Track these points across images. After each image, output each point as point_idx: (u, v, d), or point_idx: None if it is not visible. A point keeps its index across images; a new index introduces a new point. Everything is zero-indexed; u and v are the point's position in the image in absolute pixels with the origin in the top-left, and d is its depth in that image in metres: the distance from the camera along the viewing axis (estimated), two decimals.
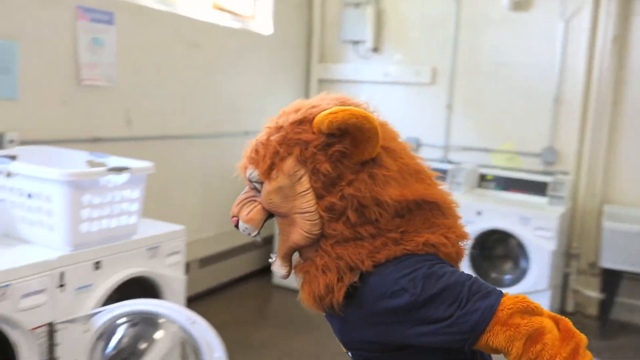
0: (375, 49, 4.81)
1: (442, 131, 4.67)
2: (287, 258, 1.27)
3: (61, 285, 2.06)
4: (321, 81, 5.06)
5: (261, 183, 1.24)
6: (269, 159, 1.21)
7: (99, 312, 2.06)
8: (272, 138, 1.22)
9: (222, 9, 4.22)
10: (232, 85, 4.24)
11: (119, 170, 2.14)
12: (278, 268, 1.27)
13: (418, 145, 4.71)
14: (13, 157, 2.21)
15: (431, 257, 1.19)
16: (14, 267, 1.91)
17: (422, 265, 1.16)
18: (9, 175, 2.15)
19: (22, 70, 2.76)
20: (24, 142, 2.72)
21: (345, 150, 1.17)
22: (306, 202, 1.19)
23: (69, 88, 3.01)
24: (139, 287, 2.47)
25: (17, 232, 2.15)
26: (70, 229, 2.05)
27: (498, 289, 1.14)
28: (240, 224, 1.27)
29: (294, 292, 4.33)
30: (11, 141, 2.67)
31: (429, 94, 4.70)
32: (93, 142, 3.12)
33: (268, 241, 4.66)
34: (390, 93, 4.82)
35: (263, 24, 4.58)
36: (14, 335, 1.92)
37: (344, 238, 1.19)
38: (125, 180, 2.20)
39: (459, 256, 1.27)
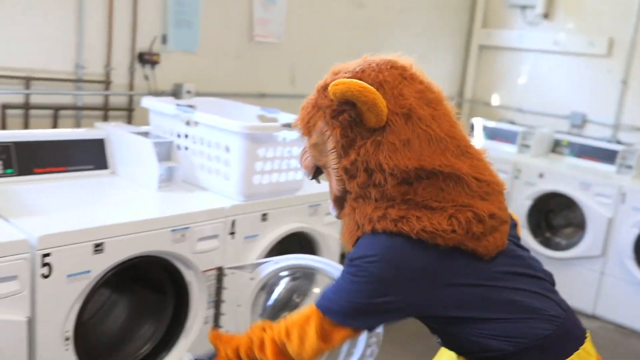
0: (546, 15, 4.48)
1: (613, 108, 4.28)
2: (335, 203, 1.39)
3: (232, 233, 2.14)
4: (482, 47, 4.83)
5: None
6: (307, 119, 1.35)
7: (265, 262, 2.12)
8: (308, 100, 1.36)
9: None
10: (391, 47, 4.14)
11: (292, 126, 2.17)
12: (331, 210, 1.41)
13: (583, 121, 4.38)
14: (193, 107, 2.32)
15: (408, 251, 1.23)
16: (193, 211, 2.01)
17: (376, 262, 1.23)
18: (188, 123, 2.26)
19: (202, 24, 2.88)
20: (198, 94, 2.86)
21: (352, 118, 1.25)
22: (332, 159, 1.31)
23: (242, 44, 3.10)
24: (298, 241, 2.53)
25: (196, 179, 2.26)
26: (244, 179, 2.12)
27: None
28: (303, 168, 1.44)
29: None
30: (188, 92, 2.81)
31: (602, 67, 4.31)
32: (259, 97, 3.21)
33: None
34: (557, 64, 4.49)
35: None
36: (188, 275, 2.04)
37: (358, 195, 1.29)
38: (296, 137, 2.23)
39: (474, 237, 1.25)
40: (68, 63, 2.45)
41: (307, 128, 1.35)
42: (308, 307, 1.29)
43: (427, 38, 4.46)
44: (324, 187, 2.55)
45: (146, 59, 2.65)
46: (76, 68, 2.47)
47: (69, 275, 1.68)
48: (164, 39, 2.73)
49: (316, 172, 1.42)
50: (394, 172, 1.24)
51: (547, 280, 1.38)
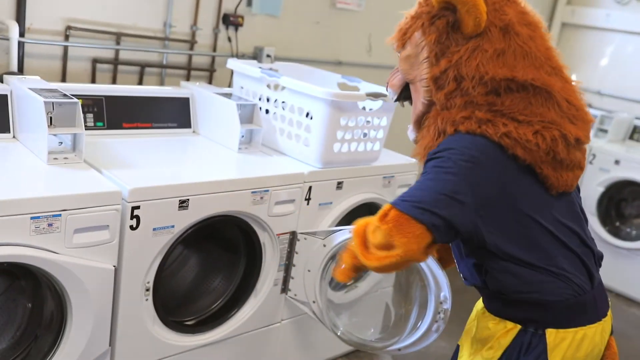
0: None
1: None
2: (416, 124, 1.41)
3: (307, 199, 2.16)
4: (565, 25, 4.63)
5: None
6: (404, 31, 1.38)
7: (338, 230, 2.13)
8: (407, 13, 1.38)
9: None
10: None
11: (376, 96, 2.15)
12: (410, 133, 1.44)
13: None
14: (277, 71, 2.32)
15: (493, 150, 1.23)
16: (273, 174, 2.03)
17: (462, 148, 1.23)
18: (270, 86, 2.27)
19: None
20: (277, 58, 2.86)
21: (450, 24, 1.28)
22: (424, 69, 1.33)
23: (323, 9, 3.08)
24: (368, 212, 2.53)
25: (275, 143, 2.28)
26: (324, 146, 2.12)
27: (423, 217, 1.20)
28: (389, 89, 1.48)
29: None
30: (268, 56, 2.81)
31: None
32: (336, 64, 3.19)
33: None
34: None
35: None
36: (262, 237, 2.07)
37: (444, 107, 1.31)
38: (378, 107, 2.21)
39: (554, 160, 1.26)
40: (157, 21, 2.49)
41: (403, 40, 1.38)
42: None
43: None
44: (399, 159, 2.55)
45: (230, 20, 2.66)
46: (164, 26, 2.51)
47: (155, 229, 1.74)
48: (249, 2, 2.73)
49: (401, 94, 1.45)
50: (484, 80, 1.26)
51: (591, 249, 1.37)
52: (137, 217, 1.68)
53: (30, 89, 1.80)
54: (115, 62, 2.43)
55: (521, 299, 1.32)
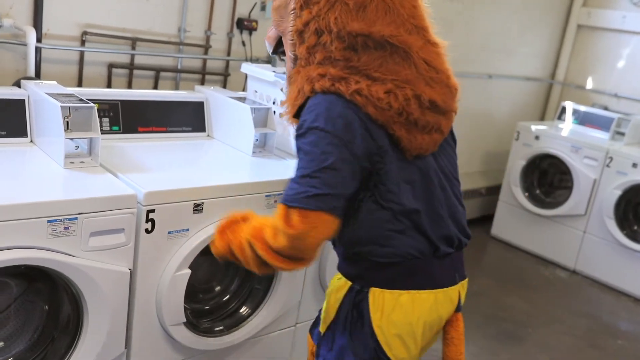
0: None
1: None
2: (288, 80, 1.39)
3: None
4: (580, 27, 4.60)
5: None
6: None
7: None
8: None
9: None
10: (484, 24, 4.03)
11: None
12: (284, 88, 1.46)
13: None
14: None
15: (347, 107, 1.23)
16: (287, 178, 2.02)
17: (322, 114, 1.23)
18: (282, 90, 2.28)
19: None
20: None
21: None
22: (290, 22, 1.33)
23: None
24: None
25: (289, 147, 2.28)
26: None
27: (320, 204, 1.20)
28: (266, 42, 1.47)
29: (512, 247, 4.16)
30: (282, 59, 2.82)
31: None
32: None
33: (492, 191, 4.51)
34: None
35: None
36: None
37: (307, 61, 1.30)
38: None
39: (406, 122, 1.26)
40: (172, 26, 2.51)
41: None
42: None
43: (523, 15, 4.29)
44: None
45: (244, 25, 2.68)
46: (179, 31, 2.53)
47: (170, 232, 1.75)
48: (263, 6, 2.75)
49: (277, 47, 1.45)
50: (341, 35, 1.25)
51: (446, 219, 1.37)
52: (152, 221, 1.70)
53: (47, 93, 1.82)
54: (131, 66, 2.45)
55: (354, 256, 1.37)
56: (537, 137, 4.03)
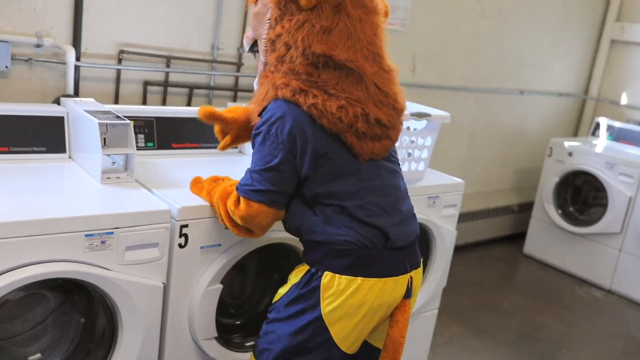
0: None
1: None
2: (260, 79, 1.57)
3: None
4: (614, 42, 4.55)
5: None
6: None
7: None
8: None
9: None
10: (516, 39, 4.01)
11: (421, 116, 2.15)
12: (255, 84, 1.60)
13: None
14: None
15: (301, 118, 1.43)
16: None
17: (277, 120, 1.44)
18: None
19: None
20: None
21: None
22: (265, 29, 1.49)
23: None
24: None
25: None
26: None
27: (262, 198, 1.48)
28: (244, 41, 1.63)
29: (546, 265, 4.08)
30: None
31: None
32: None
33: (524, 208, 4.46)
34: None
35: None
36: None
37: (275, 68, 1.48)
38: (422, 127, 2.21)
39: (356, 133, 1.45)
40: (205, 44, 2.56)
41: None
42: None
43: (555, 30, 4.26)
44: (444, 179, 2.54)
45: None
46: (212, 49, 2.58)
47: (202, 247, 1.77)
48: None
49: (254, 46, 1.60)
50: (306, 53, 1.42)
51: (397, 213, 1.56)
52: (186, 235, 1.72)
53: (85, 110, 1.87)
54: (166, 84, 2.50)
55: (313, 243, 1.52)
56: (570, 154, 3.97)
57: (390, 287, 1.52)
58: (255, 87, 1.61)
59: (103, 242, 1.56)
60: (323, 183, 1.49)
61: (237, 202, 1.54)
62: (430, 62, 3.50)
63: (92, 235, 1.53)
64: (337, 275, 1.49)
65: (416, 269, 1.61)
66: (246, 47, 1.65)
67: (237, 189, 1.54)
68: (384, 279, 1.51)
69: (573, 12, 4.35)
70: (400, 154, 2.22)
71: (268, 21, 1.49)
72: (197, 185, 1.77)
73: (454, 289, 3.45)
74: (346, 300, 1.48)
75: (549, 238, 4.15)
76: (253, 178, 1.50)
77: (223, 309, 2.12)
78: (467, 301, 3.47)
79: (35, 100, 2.20)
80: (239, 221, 1.56)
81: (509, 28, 3.92)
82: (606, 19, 4.54)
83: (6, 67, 2.08)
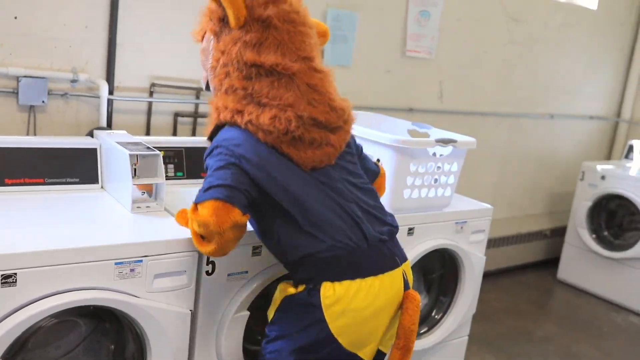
0: None
1: None
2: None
3: None
4: None
5: None
6: (200, 26, 1.68)
7: None
8: (202, 9, 1.64)
9: None
10: (547, 64, 4.00)
11: (446, 142, 2.16)
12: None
13: None
14: None
15: (242, 138, 1.52)
16: None
17: (228, 147, 1.52)
18: None
19: (357, 39, 2.96)
20: None
21: (222, 16, 1.56)
22: (210, 59, 1.62)
23: (394, 58, 3.14)
24: (441, 258, 2.51)
25: None
26: (394, 193, 2.14)
27: (215, 193, 1.48)
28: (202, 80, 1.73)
29: (581, 291, 3.99)
30: None
31: None
32: (408, 111, 3.23)
33: (558, 233, 4.39)
34: None
35: None
36: None
37: (218, 91, 1.61)
38: (448, 153, 2.21)
39: (292, 140, 1.52)
40: None
41: (201, 34, 1.68)
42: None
43: (585, 54, 4.24)
44: (471, 204, 2.53)
45: None
46: None
47: (229, 274, 1.79)
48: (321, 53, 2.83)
49: (208, 84, 1.69)
50: (240, 66, 1.53)
51: (368, 214, 1.61)
52: (213, 263, 1.75)
53: (117, 142, 1.93)
54: (195, 115, 2.57)
55: (299, 260, 1.55)
56: (603, 177, 3.91)
57: (388, 283, 1.56)
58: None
59: (132, 270, 1.60)
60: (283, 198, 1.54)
61: (195, 209, 1.54)
62: (459, 88, 3.51)
63: (121, 263, 1.57)
64: (335, 283, 1.51)
65: (405, 261, 1.66)
66: (203, 85, 1.74)
67: (194, 202, 1.55)
68: (380, 275, 1.55)
69: (603, 36, 4.32)
70: (427, 180, 2.23)
71: (211, 51, 1.62)
72: (181, 215, 1.74)
73: (485, 316, 3.40)
74: (349, 306, 1.50)
75: (583, 263, 4.07)
76: (205, 184, 1.52)
77: (250, 335, 2.14)
78: (500, 329, 3.42)
79: (71, 132, 2.28)
80: (197, 228, 1.53)
81: (539, 53, 3.91)
82: (636, 42, 4.50)
83: (43, 101, 2.17)
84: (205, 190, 1.51)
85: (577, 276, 4.12)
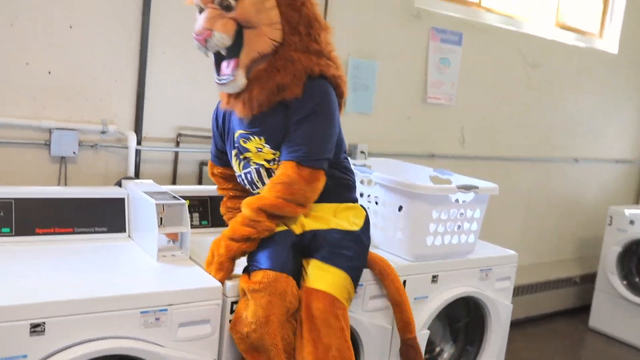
0: None
1: None
2: (248, 68, 1.71)
3: None
4: None
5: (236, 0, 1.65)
6: None
7: None
8: None
9: (566, 27, 4.01)
10: (567, 108, 4.00)
11: (468, 188, 2.17)
12: (241, 78, 1.70)
13: None
14: (369, 167, 2.40)
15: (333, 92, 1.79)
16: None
17: (330, 99, 1.77)
18: (363, 182, 2.35)
19: (377, 87, 3.01)
20: (371, 154, 2.96)
21: None
22: (274, 14, 1.67)
23: (414, 105, 3.18)
24: (466, 305, 2.48)
25: None
26: (416, 240, 2.14)
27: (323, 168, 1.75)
28: (216, 34, 1.65)
29: (614, 340, 3.86)
30: (362, 152, 2.92)
31: None
32: (429, 157, 3.24)
33: (588, 279, 4.29)
34: None
35: (609, 42, 4.23)
36: (359, 332, 2.07)
37: (298, 48, 1.69)
38: (470, 199, 2.21)
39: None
40: None
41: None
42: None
43: (605, 97, 4.23)
44: (495, 251, 2.50)
45: None
46: None
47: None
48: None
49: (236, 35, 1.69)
50: (327, 27, 1.77)
51: None
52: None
53: (144, 192, 1.98)
54: None
55: (343, 184, 1.93)
56: (632, 222, 3.84)
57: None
58: (241, 81, 1.72)
59: (157, 319, 1.61)
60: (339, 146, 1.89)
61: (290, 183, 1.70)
62: (480, 133, 3.53)
63: (147, 312, 1.59)
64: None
65: None
66: (227, 41, 1.68)
67: (301, 161, 1.70)
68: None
69: (624, 79, 4.32)
70: (450, 227, 2.23)
71: (272, 7, 1.68)
72: (209, 267, 1.77)
73: None
74: None
75: (615, 310, 3.96)
76: (317, 150, 1.73)
77: None
78: None
79: (100, 182, 2.34)
80: (297, 196, 1.70)
81: (559, 97, 3.92)
82: None
83: (74, 152, 2.24)
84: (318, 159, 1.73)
85: (609, 324, 4.01)
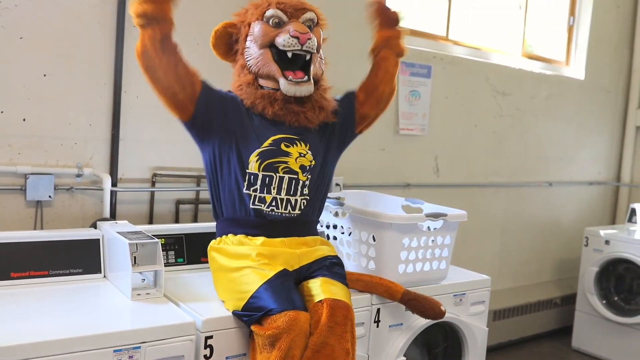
0: None
1: None
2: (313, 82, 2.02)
3: (377, 321, 2.19)
4: (639, 129, 4.58)
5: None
6: (323, 19, 2.11)
7: None
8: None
9: (533, 57, 4.14)
10: (538, 134, 4.11)
11: (436, 216, 2.23)
12: (312, 84, 1.99)
13: None
14: (341, 200, 2.46)
15: None
16: None
17: None
18: (336, 214, 2.40)
19: None
20: (345, 186, 3.02)
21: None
22: (321, 51, 2.12)
23: (388, 136, 3.26)
24: (442, 330, 2.51)
25: None
26: (388, 268, 2.19)
27: None
28: (314, 38, 1.93)
29: (597, 359, 3.87)
30: (337, 185, 2.98)
31: None
32: (404, 187, 3.31)
33: (568, 300, 4.34)
34: None
35: (576, 69, 4.37)
36: None
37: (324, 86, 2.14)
38: (440, 226, 2.27)
39: None
40: None
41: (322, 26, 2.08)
42: None
43: (577, 123, 4.35)
44: (468, 275, 2.55)
45: None
46: None
47: (228, 358, 1.82)
48: None
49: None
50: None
51: None
52: (211, 347, 1.78)
53: (118, 232, 2.02)
54: (196, 201, 2.67)
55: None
56: (607, 242, 3.92)
57: None
58: (312, 83, 1.98)
59: (131, 357, 1.63)
60: None
61: None
62: (454, 161, 3.61)
63: (120, 350, 1.62)
64: None
65: None
66: (316, 47, 1.97)
67: None
68: None
69: (594, 105, 4.45)
70: (421, 254, 2.28)
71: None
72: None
73: None
74: None
75: (597, 330, 4.01)
76: None
77: None
78: None
79: (76, 224, 2.38)
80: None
81: (530, 123, 4.03)
82: (628, 107, 4.62)
83: (49, 196, 2.28)
84: None
85: (592, 344, 4.05)
